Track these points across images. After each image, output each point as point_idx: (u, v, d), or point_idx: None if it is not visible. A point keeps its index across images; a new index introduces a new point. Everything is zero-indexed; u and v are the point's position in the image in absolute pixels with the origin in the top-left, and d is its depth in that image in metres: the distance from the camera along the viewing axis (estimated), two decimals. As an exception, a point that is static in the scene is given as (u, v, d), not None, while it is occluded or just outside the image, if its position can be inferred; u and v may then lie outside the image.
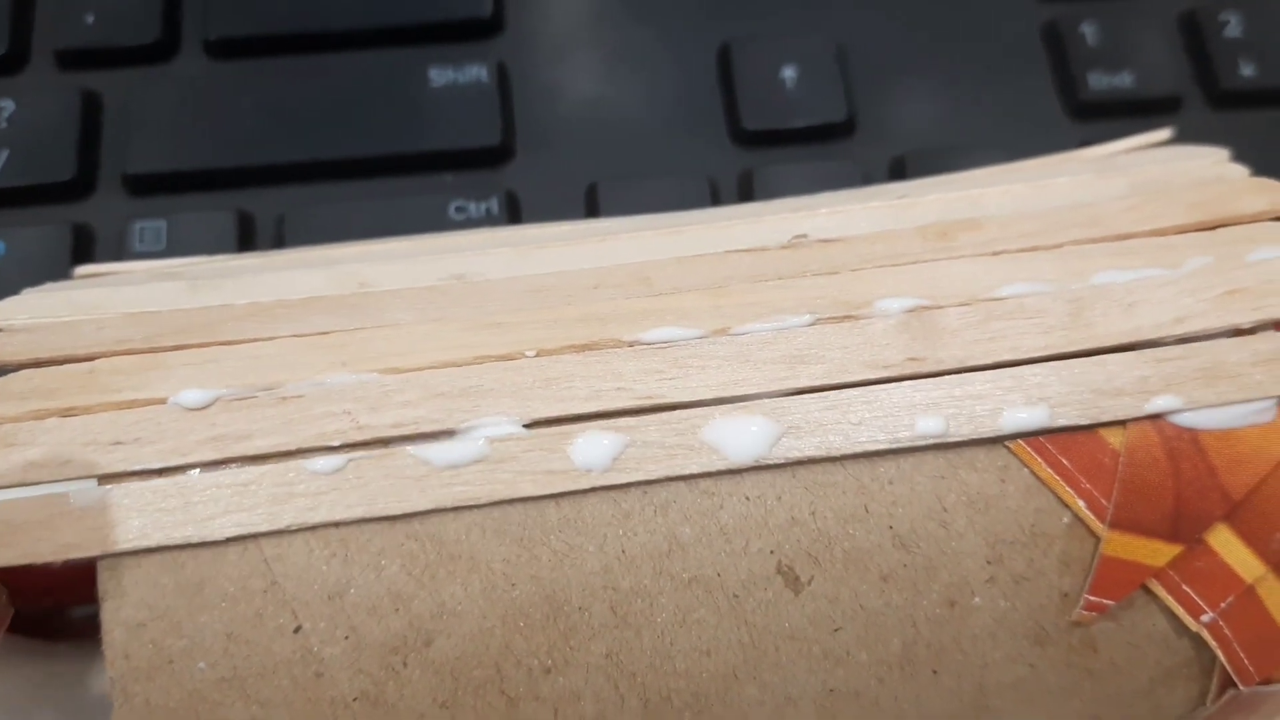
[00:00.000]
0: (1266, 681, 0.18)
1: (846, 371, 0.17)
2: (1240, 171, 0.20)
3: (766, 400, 0.17)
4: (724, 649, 0.17)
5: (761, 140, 0.28)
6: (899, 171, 0.27)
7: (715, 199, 0.27)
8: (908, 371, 0.17)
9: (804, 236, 0.19)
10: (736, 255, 0.19)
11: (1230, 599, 0.17)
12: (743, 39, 0.28)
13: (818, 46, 0.28)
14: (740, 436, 0.17)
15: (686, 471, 0.16)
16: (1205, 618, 0.17)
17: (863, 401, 0.17)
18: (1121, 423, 0.17)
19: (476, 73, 0.27)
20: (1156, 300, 0.17)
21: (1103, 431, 0.17)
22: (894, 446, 0.17)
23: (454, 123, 0.27)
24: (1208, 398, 0.17)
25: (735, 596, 0.17)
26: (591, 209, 0.26)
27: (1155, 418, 0.17)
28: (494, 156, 0.27)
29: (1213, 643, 0.17)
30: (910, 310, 0.18)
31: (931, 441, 0.17)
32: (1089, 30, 0.29)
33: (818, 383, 0.17)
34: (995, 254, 0.18)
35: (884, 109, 0.28)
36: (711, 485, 0.17)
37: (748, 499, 0.17)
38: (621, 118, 0.28)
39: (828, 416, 0.17)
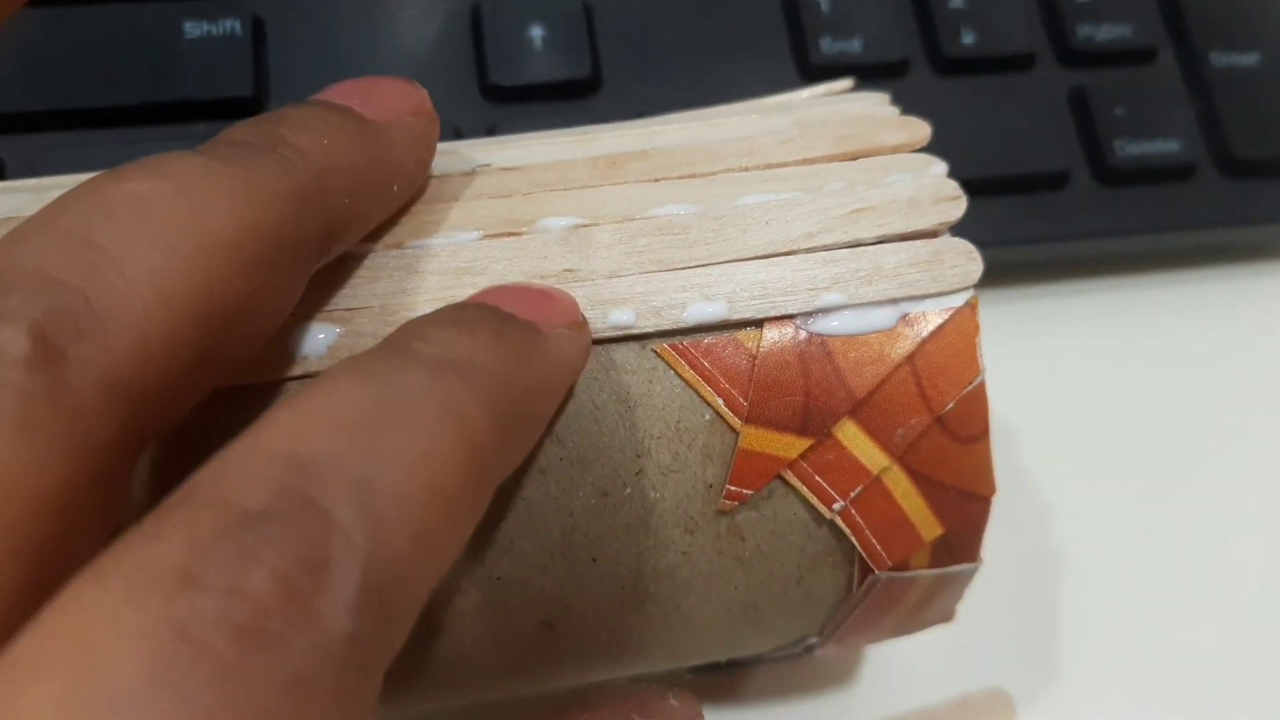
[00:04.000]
0: (902, 567, 0.20)
1: (506, 281, 0.19)
2: (892, 111, 0.22)
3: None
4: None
5: (509, 95, 0.29)
6: (639, 126, 0.29)
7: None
8: (564, 282, 0.19)
9: (487, 165, 0.20)
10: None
11: (859, 488, 0.19)
12: (493, -2, 0.30)
13: (565, 6, 0.30)
14: None
15: None
16: (837, 505, 0.19)
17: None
18: (759, 323, 0.19)
19: (230, 25, 0.28)
20: (791, 218, 0.19)
21: (741, 336, 0.19)
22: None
23: (208, 74, 0.28)
24: (869, 294, 0.19)
25: None
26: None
27: (790, 323, 0.19)
28: (246, 107, 0.28)
29: (846, 529, 0.19)
30: (569, 228, 0.19)
31: (620, 333, 0.18)
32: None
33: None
34: (655, 180, 0.20)
35: (629, 68, 0.30)
36: None
37: None
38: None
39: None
